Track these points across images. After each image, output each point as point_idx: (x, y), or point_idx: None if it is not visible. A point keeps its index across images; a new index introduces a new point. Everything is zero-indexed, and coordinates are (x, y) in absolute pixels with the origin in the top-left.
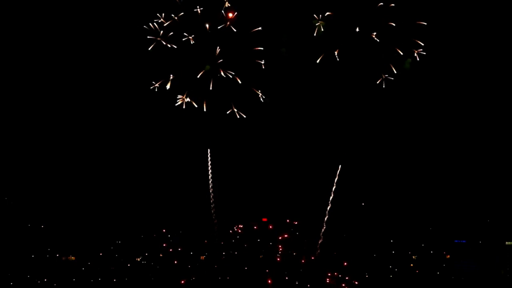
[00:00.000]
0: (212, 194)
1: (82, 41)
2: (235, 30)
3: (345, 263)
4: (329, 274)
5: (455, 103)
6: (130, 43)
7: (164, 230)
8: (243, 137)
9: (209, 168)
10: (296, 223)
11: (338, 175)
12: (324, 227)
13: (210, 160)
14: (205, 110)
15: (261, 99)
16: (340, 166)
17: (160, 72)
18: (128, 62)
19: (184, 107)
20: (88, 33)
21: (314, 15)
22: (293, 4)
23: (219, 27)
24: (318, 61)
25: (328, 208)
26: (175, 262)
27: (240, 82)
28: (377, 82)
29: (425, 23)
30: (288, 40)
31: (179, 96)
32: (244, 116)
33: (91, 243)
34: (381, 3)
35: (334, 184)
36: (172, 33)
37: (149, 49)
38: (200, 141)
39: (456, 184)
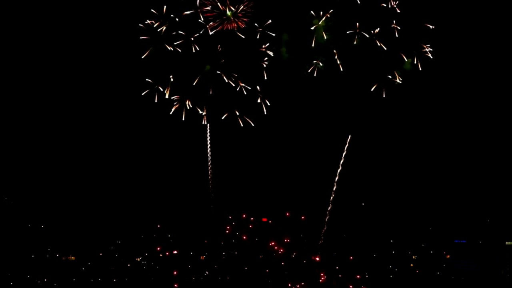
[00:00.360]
0: (212, 193)
1: (78, 40)
2: (243, 37)
3: (345, 263)
4: (322, 274)
5: (456, 103)
6: (126, 43)
7: (158, 226)
8: (243, 136)
9: (209, 163)
10: (303, 218)
11: (339, 174)
12: (325, 227)
13: (210, 157)
14: (205, 122)
15: (264, 109)
16: (340, 166)
17: (158, 74)
18: (125, 62)
19: (183, 117)
20: (84, 33)
21: (312, 12)
22: (294, 4)
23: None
24: (318, 63)
25: (328, 208)
26: (176, 262)
27: (243, 85)
28: (372, 90)
29: (431, 26)
30: (289, 40)
31: (174, 97)
32: (252, 124)
33: (91, 243)
34: (384, 4)
35: (335, 184)
36: (171, 33)
37: (150, 50)
38: (200, 138)
39: (456, 184)
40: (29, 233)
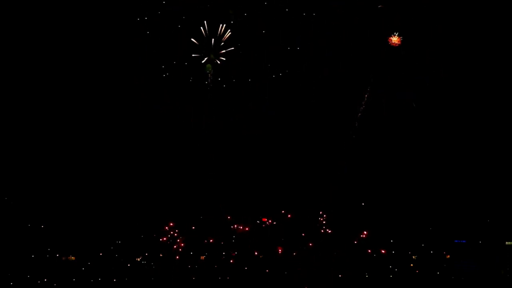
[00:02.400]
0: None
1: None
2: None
3: (345, 263)
4: (321, 274)
5: (456, 101)
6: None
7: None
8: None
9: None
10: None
11: (339, 174)
12: (325, 227)
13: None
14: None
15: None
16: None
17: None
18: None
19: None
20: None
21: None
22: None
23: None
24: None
25: (329, 208)
26: (175, 262)
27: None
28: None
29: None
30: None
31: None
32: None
33: (91, 243)
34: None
35: (335, 184)
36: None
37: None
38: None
39: (456, 184)
40: (29, 233)
